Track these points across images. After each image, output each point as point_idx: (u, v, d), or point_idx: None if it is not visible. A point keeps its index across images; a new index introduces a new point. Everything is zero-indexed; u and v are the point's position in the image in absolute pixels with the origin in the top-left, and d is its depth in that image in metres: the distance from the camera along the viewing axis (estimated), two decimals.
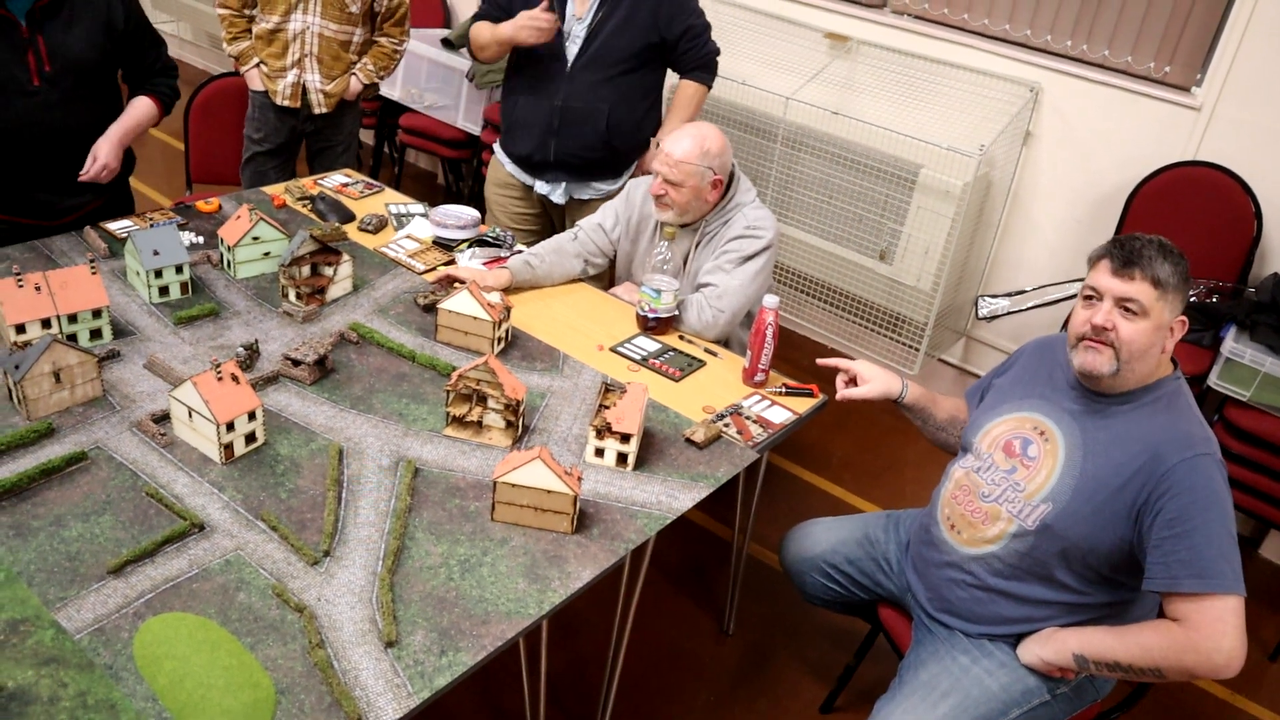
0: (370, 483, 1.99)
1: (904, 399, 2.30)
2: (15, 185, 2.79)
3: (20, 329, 2.19)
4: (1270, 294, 3.07)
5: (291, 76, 3.53)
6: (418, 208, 3.14)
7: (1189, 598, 1.77)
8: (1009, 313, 3.60)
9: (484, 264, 2.80)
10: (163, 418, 2.07)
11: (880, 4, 4.11)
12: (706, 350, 2.60)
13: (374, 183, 3.32)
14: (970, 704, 1.95)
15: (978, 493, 2.04)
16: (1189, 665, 1.77)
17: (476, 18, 3.22)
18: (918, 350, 3.94)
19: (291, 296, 2.51)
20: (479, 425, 2.16)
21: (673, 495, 2.06)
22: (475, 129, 4.77)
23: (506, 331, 2.48)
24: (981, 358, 4.21)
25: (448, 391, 2.13)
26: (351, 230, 2.95)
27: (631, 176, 3.23)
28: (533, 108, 3.15)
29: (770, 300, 2.39)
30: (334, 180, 3.32)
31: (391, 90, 4.97)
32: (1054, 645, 1.93)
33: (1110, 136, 3.65)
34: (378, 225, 2.97)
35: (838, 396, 2.32)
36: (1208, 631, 1.75)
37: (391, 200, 3.21)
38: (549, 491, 1.87)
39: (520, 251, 2.92)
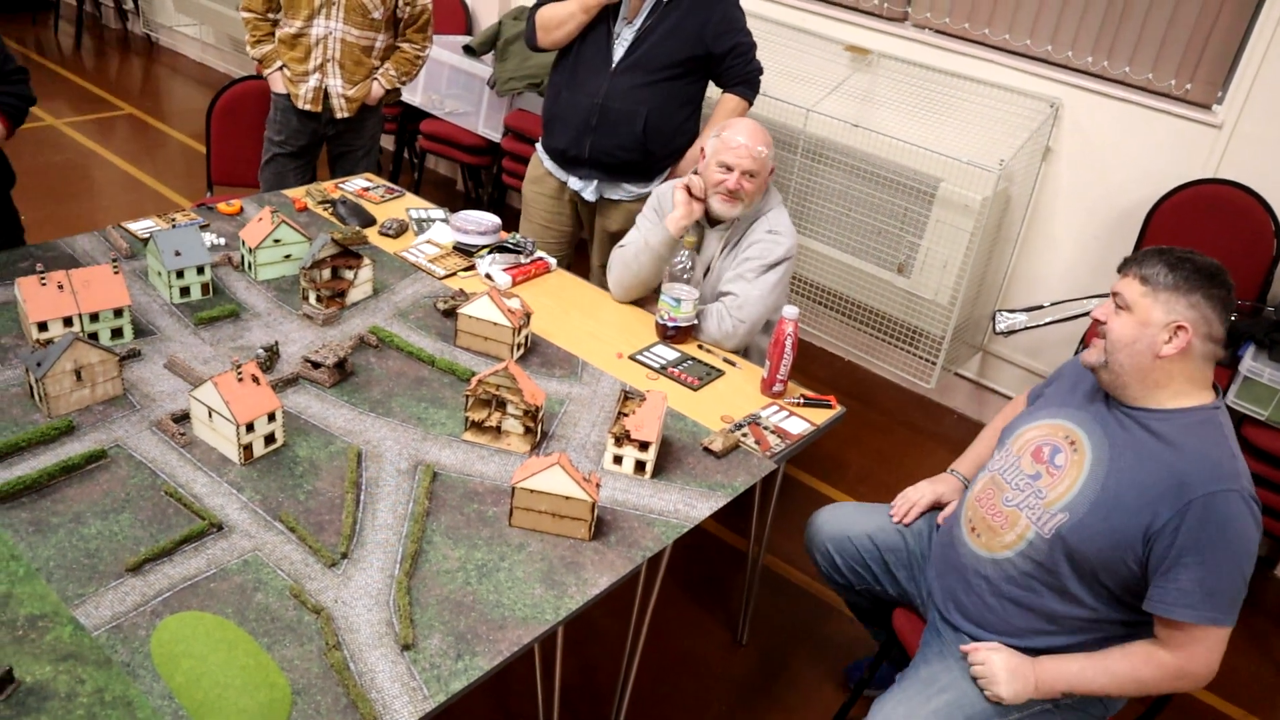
0: (388, 486, 1.99)
1: (966, 478, 2.36)
2: None
3: (43, 327, 2.20)
4: None
5: (313, 81, 3.55)
6: (438, 213, 3.15)
7: (1182, 625, 1.80)
8: (1026, 328, 3.58)
9: (504, 270, 2.80)
10: (182, 417, 2.08)
11: (901, 17, 4.11)
12: (725, 360, 2.60)
13: (395, 187, 3.34)
14: (966, 702, 1.94)
15: (1001, 496, 2.03)
16: (1177, 688, 1.88)
17: (536, 8, 3.22)
18: (934, 364, 3.93)
19: (312, 299, 2.52)
20: (498, 430, 2.16)
21: (690, 504, 2.06)
22: (495, 136, 4.79)
23: (526, 338, 2.49)
24: (998, 373, 4.20)
25: (467, 396, 2.13)
26: (372, 234, 2.97)
27: (664, 182, 3.24)
28: (573, 103, 3.17)
29: (790, 311, 2.39)
30: (355, 184, 3.33)
31: (412, 96, 4.99)
32: (1042, 688, 1.92)
33: (1130, 153, 3.64)
34: (398, 230, 2.98)
35: (939, 520, 2.34)
36: (1201, 660, 1.81)
37: (412, 205, 3.22)
38: (567, 498, 1.87)
39: (541, 258, 2.93)
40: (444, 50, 4.88)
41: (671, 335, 2.64)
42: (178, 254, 2.46)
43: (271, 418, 2.01)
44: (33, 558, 1.73)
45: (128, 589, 1.70)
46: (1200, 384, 1.89)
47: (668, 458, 2.18)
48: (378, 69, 3.63)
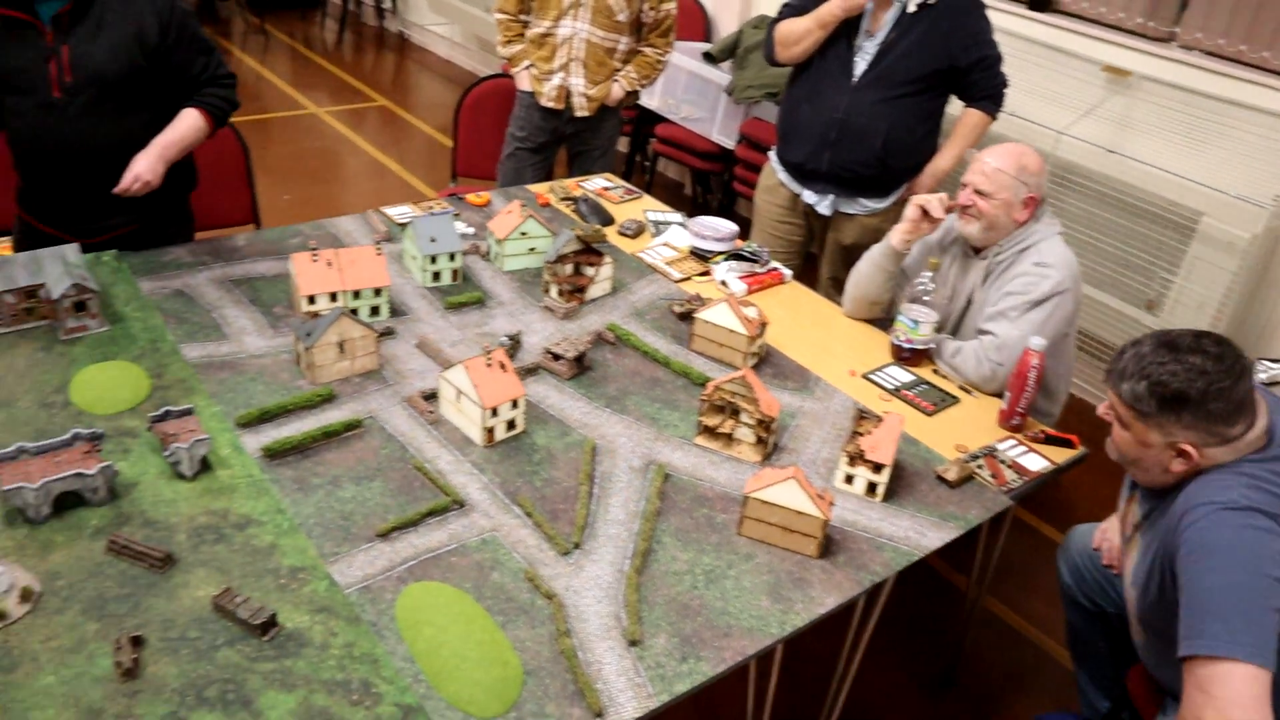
0: (621, 481, 2.02)
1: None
2: (49, 199, 2.63)
3: (311, 299, 2.36)
4: None
5: (557, 79, 3.66)
6: (675, 216, 3.18)
7: (1188, 667, 1.58)
8: None
9: (740, 278, 2.80)
10: (431, 395, 2.18)
11: (1168, 38, 3.86)
12: (961, 386, 2.50)
13: (633, 189, 3.40)
14: None
15: None
16: None
17: (775, 22, 3.21)
18: None
19: (553, 293, 2.59)
20: (729, 438, 2.15)
21: (921, 532, 1.99)
22: (729, 143, 4.81)
23: (761, 347, 2.47)
24: None
25: (702, 401, 2.14)
26: (611, 233, 3.03)
27: (900, 198, 3.16)
28: (811, 117, 3.13)
29: (1037, 342, 2.27)
30: (595, 183, 3.41)
31: (650, 100, 5.07)
32: None
33: None
34: (636, 230, 3.03)
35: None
36: (1191, 702, 1.55)
37: (650, 207, 3.27)
38: (800, 513, 1.84)
39: (776, 268, 2.91)
40: (683, 56, 4.94)
41: (906, 357, 2.56)
42: (432, 240, 2.59)
43: (515, 404, 2.08)
44: (295, 513, 1.85)
45: (377, 553, 1.79)
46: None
47: (899, 482, 2.12)
48: (619, 71, 3.71)
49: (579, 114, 3.72)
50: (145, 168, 2.47)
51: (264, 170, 4.25)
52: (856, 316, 2.77)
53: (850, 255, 3.01)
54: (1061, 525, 3.47)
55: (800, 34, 3.09)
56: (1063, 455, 2.31)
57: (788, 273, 2.94)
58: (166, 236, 2.75)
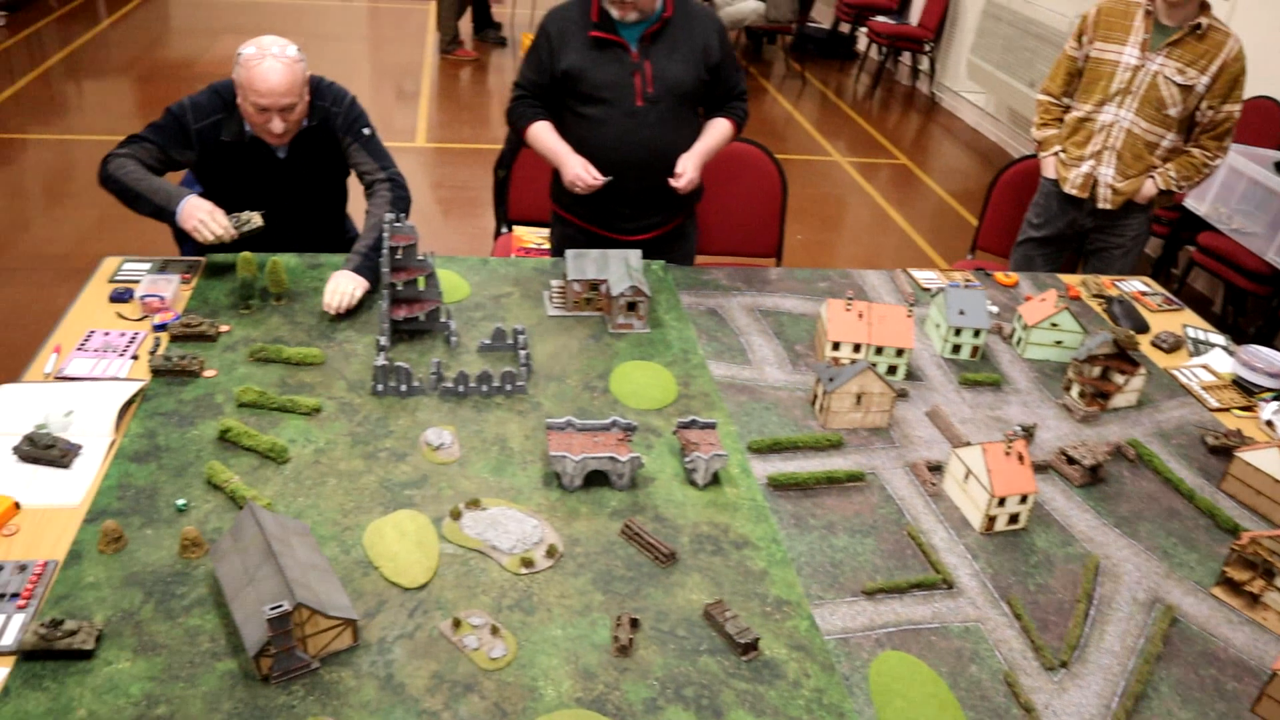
0: (1121, 611, 1.88)
1: None
2: (601, 197, 2.87)
3: (835, 346, 2.44)
4: None
5: (1085, 167, 3.49)
6: (1219, 339, 2.90)
7: None
8: None
9: None
10: (936, 467, 2.17)
11: None
12: None
13: (1173, 299, 3.14)
14: None
15: None
16: None
17: None
18: None
19: (1074, 392, 2.47)
20: (1256, 599, 1.92)
21: None
22: None
23: None
24: None
25: (1231, 550, 1.93)
26: (1144, 342, 2.83)
27: None
28: None
29: None
30: (1132, 285, 3.20)
31: (1198, 204, 4.67)
32: None
33: None
34: (1173, 345, 2.81)
35: None
36: None
37: (1190, 322, 3.01)
38: None
39: None
40: (1247, 161, 4.49)
41: None
42: (961, 313, 2.57)
43: (1023, 499, 2.01)
44: (789, 547, 1.93)
45: (860, 609, 1.81)
46: None
47: None
48: (1156, 168, 3.45)
49: (1101, 206, 3.51)
50: (694, 168, 2.82)
51: None
52: None
53: None
54: None
55: None
56: None
57: None
58: (682, 239, 3.10)
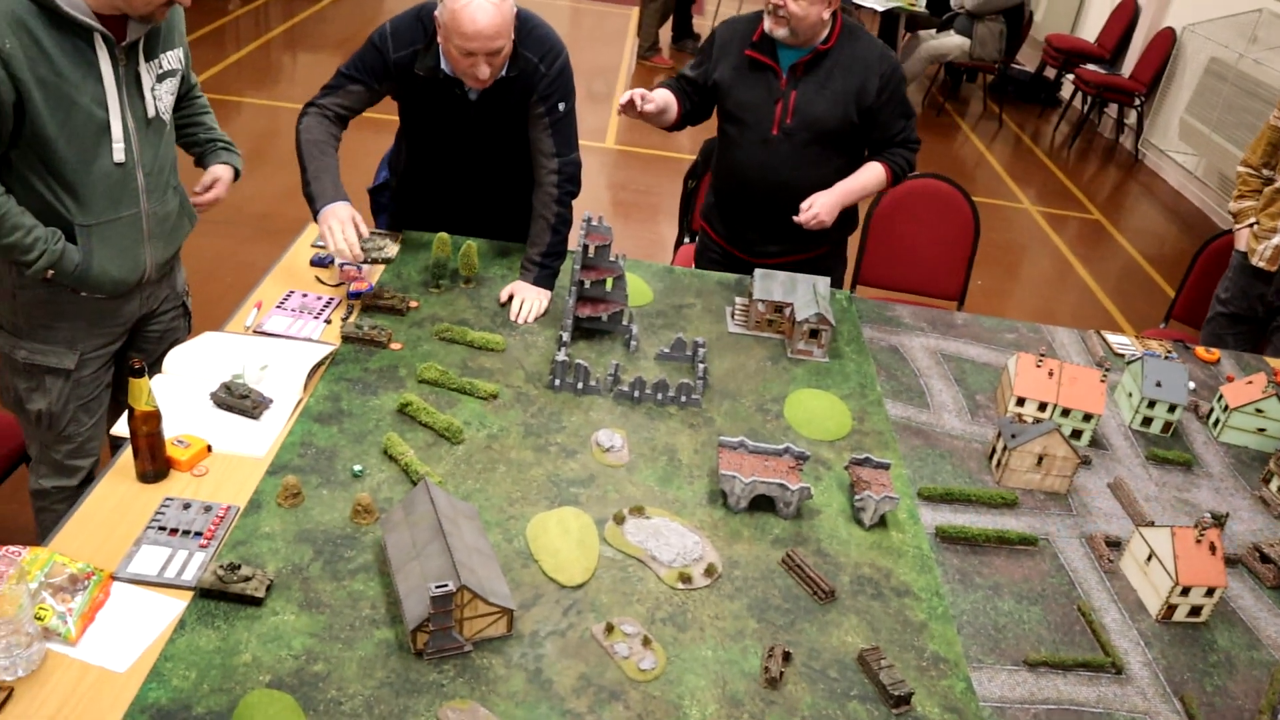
0: None
1: None
2: (730, 217, 2.95)
3: (1020, 402, 2.35)
4: None
5: (1276, 239, 3.27)
6: None
7: None
8: None
9: None
10: (1115, 543, 2.06)
11: None
12: None
13: None
14: None
15: None
16: None
17: None
18: None
19: (1274, 485, 2.31)
20: None
21: None
22: None
23: None
24: None
25: None
26: None
27: None
28: None
29: None
30: None
31: None
32: None
33: None
34: None
35: None
36: None
37: None
38: None
39: None
40: None
41: None
42: (1158, 384, 2.44)
43: (1209, 592, 1.89)
44: (952, 603, 1.86)
45: (1020, 679, 1.74)
46: None
47: None
48: None
49: None
50: (824, 208, 2.71)
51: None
52: None
53: None
54: None
55: None
56: None
57: None
58: (819, 271, 2.91)
